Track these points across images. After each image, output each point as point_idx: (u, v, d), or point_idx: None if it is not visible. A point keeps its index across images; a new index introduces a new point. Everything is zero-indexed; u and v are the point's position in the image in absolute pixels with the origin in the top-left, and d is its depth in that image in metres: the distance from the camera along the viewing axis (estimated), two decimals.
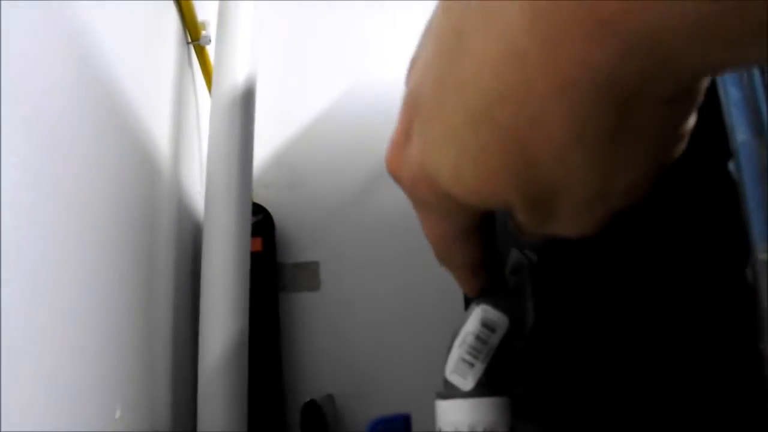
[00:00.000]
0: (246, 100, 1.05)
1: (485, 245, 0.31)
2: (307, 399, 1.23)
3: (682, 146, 0.23)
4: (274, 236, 1.44)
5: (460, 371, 0.34)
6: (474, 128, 0.22)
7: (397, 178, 0.27)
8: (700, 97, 0.21)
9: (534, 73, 0.19)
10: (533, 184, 0.22)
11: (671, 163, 0.23)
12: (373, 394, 1.41)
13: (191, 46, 1.21)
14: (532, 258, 0.39)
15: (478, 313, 0.35)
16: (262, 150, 1.50)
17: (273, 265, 1.43)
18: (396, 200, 1.45)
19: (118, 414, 0.72)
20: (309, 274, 1.49)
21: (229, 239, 1.01)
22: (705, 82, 0.21)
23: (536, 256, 0.39)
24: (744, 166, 0.25)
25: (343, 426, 1.38)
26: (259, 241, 1.37)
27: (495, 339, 0.35)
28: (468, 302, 0.36)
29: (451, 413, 0.35)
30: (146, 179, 0.92)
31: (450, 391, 0.35)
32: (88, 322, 0.67)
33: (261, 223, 1.40)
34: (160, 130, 0.99)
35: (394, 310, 1.45)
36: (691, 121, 0.22)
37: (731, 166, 0.26)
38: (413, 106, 0.25)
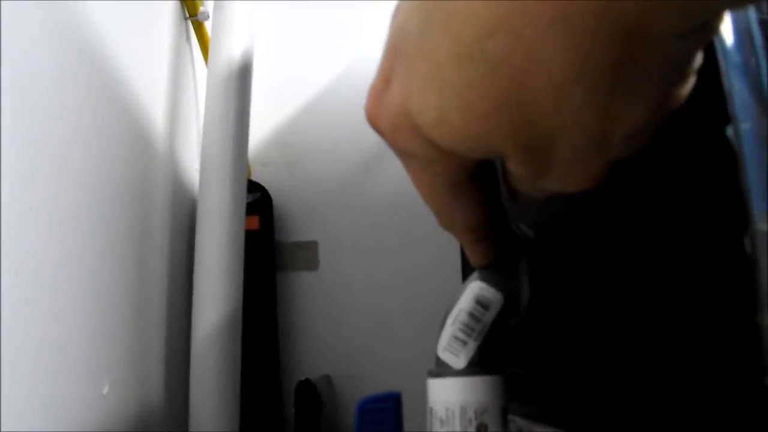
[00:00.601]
0: (242, 75, 1.04)
1: (485, 205, 0.28)
2: (303, 378, 1.23)
3: (687, 88, 0.21)
4: (272, 215, 1.42)
5: (453, 349, 0.34)
6: (461, 63, 0.19)
7: (375, 126, 0.25)
8: (715, 33, 0.19)
9: (532, 2, 0.17)
10: (527, 128, 0.20)
11: (673, 108, 0.21)
12: (371, 374, 1.40)
13: (189, 22, 1.20)
14: (528, 234, 0.38)
15: (472, 289, 0.34)
16: (261, 128, 1.49)
17: (270, 244, 1.41)
18: (397, 180, 1.45)
19: (105, 389, 0.72)
20: (307, 254, 1.48)
21: (223, 215, 1.00)
22: (721, 17, 0.19)
23: (533, 232, 0.38)
24: (744, 135, 0.24)
25: (340, 406, 1.39)
26: (256, 219, 1.36)
27: (489, 317, 0.34)
28: (466, 279, 0.35)
29: (443, 392, 0.34)
30: (142, 155, 0.91)
31: (441, 370, 0.34)
32: (76, 296, 0.66)
33: (259, 201, 1.38)
34: (156, 106, 0.98)
35: (393, 290, 1.44)
36: (699, 59, 0.20)
37: (729, 131, 0.25)
38: (395, 49, 0.23)
